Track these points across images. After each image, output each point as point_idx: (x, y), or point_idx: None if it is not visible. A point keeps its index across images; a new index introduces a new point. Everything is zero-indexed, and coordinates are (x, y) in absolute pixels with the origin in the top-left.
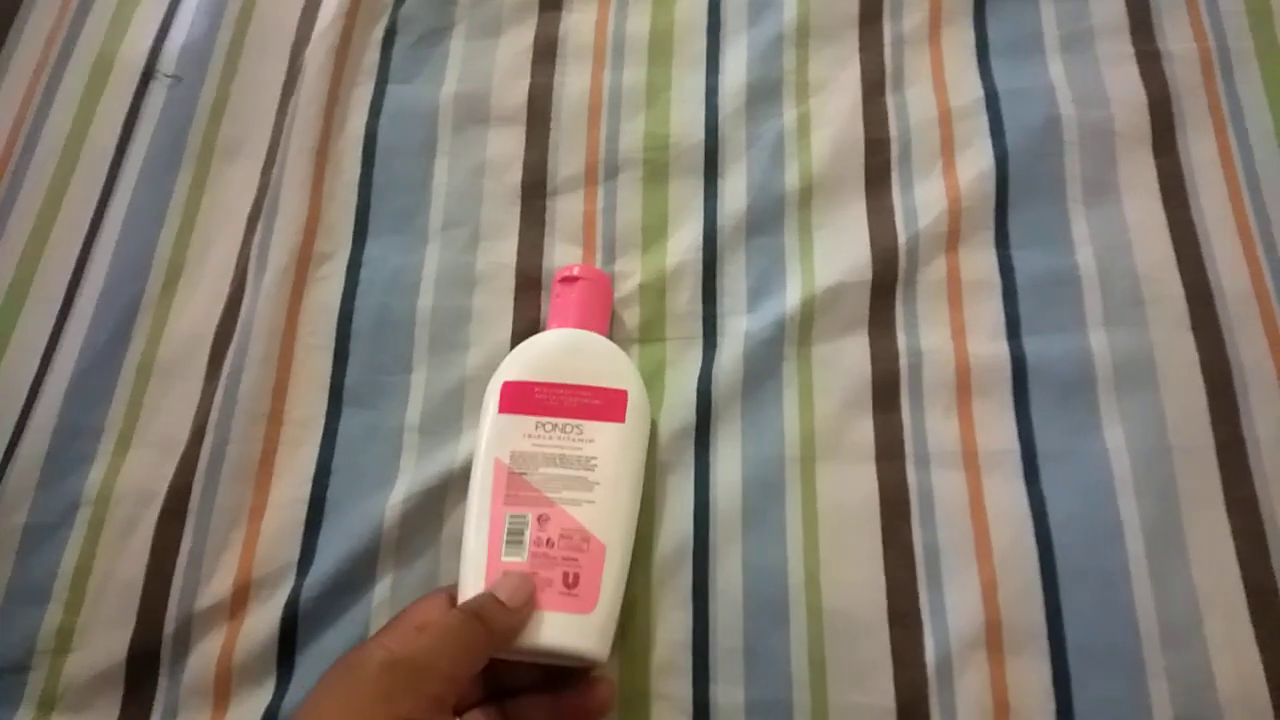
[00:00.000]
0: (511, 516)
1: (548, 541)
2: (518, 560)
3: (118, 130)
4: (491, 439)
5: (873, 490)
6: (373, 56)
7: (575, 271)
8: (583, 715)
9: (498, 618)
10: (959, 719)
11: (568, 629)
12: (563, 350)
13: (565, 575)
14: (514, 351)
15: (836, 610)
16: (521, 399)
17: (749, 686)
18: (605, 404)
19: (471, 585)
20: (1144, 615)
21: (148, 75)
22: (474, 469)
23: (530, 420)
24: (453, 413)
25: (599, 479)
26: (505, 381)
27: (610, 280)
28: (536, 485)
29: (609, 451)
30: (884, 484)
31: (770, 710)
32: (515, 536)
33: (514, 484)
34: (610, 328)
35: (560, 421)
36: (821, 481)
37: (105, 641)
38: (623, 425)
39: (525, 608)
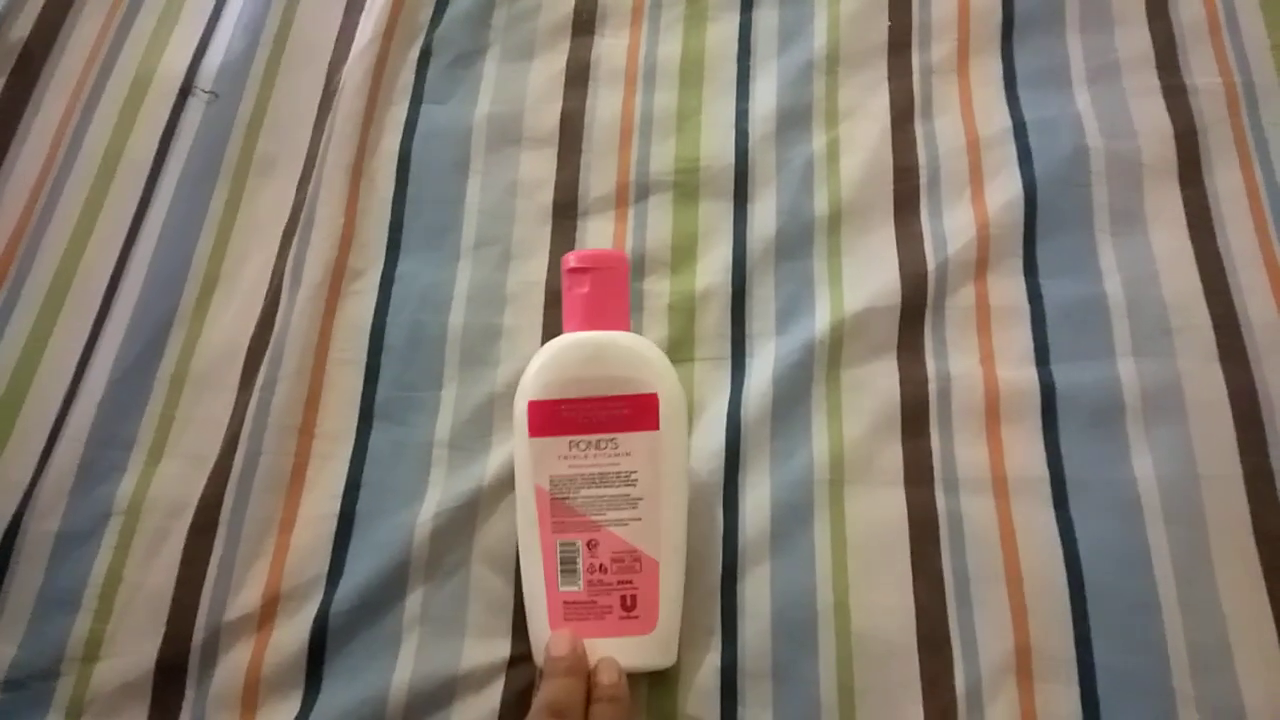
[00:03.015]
0: (562, 545)
1: (600, 567)
2: (574, 590)
3: (155, 145)
4: (527, 465)
5: (902, 515)
6: (408, 77)
7: (584, 261)
8: None
9: None
10: None
11: (633, 651)
12: (584, 358)
13: (623, 599)
14: (532, 364)
15: (865, 634)
16: (550, 419)
17: (778, 710)
18: (636, 412)
19: (536, 616)
20: (1173, 643)
21: (185, 91)
22: (517, 497)
23: (563, 441)
24: (482, 428)
25: (641, 493)
26: (530, 401)
27: (626, 259)
28: (580, 509)
29: (647, 462)
30: (913, 508)
31: None
32: (568, 565)
33: (558, 510)
34: (630, 315)
35: (593, 438)
36: (850, 505)
37: (133, 651)
38: (657, 432)
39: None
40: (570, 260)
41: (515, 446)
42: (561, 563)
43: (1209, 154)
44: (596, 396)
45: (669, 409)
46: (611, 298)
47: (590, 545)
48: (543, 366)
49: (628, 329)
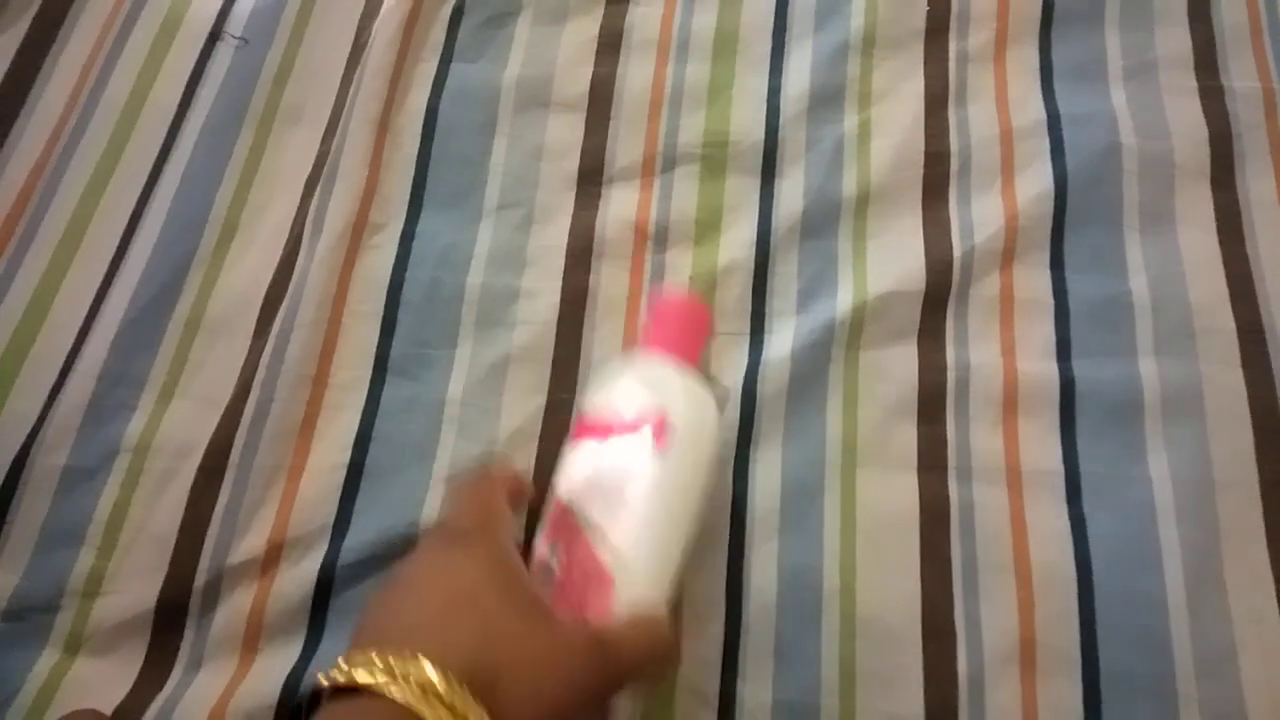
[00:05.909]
0: (551, 545)
1: (567, 568)
2: (548, 590)
3: (181, 89)
4: (559, 465)
5: (913, 500)
6: (439, 34)
7: (668, 298)
8: None
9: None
10: None
11: None
12: (619, 373)
13: (579, 606)
14: (596, 378)
15: (870, 618)
16: (587, 425)
17: (777, 687)
18: (654, 429)
19: None
20: (1179, 644)
21: (215, 36)
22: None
23: (589, 445)
24: (494, 389)
25: (623, 502)
26: (581, 411)
27: (708, 311)
28: (575, 510)
29: (640, 474)
30: (925, 495)
31: (797, 712)
32: (547, 564)
33: (559, 510)
34: (700, 358)
35: (602, 445)
36: (861, 488)
37: (135, 588)
38: (660, 449)
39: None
40: (657, 294)
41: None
42: (548, 560)
43: (1243, 158)
44: (617, 409)
45: (678, 431)
46: (681, 332)
47: (567, 546)
48: (602, 378)
49: (694, 365)
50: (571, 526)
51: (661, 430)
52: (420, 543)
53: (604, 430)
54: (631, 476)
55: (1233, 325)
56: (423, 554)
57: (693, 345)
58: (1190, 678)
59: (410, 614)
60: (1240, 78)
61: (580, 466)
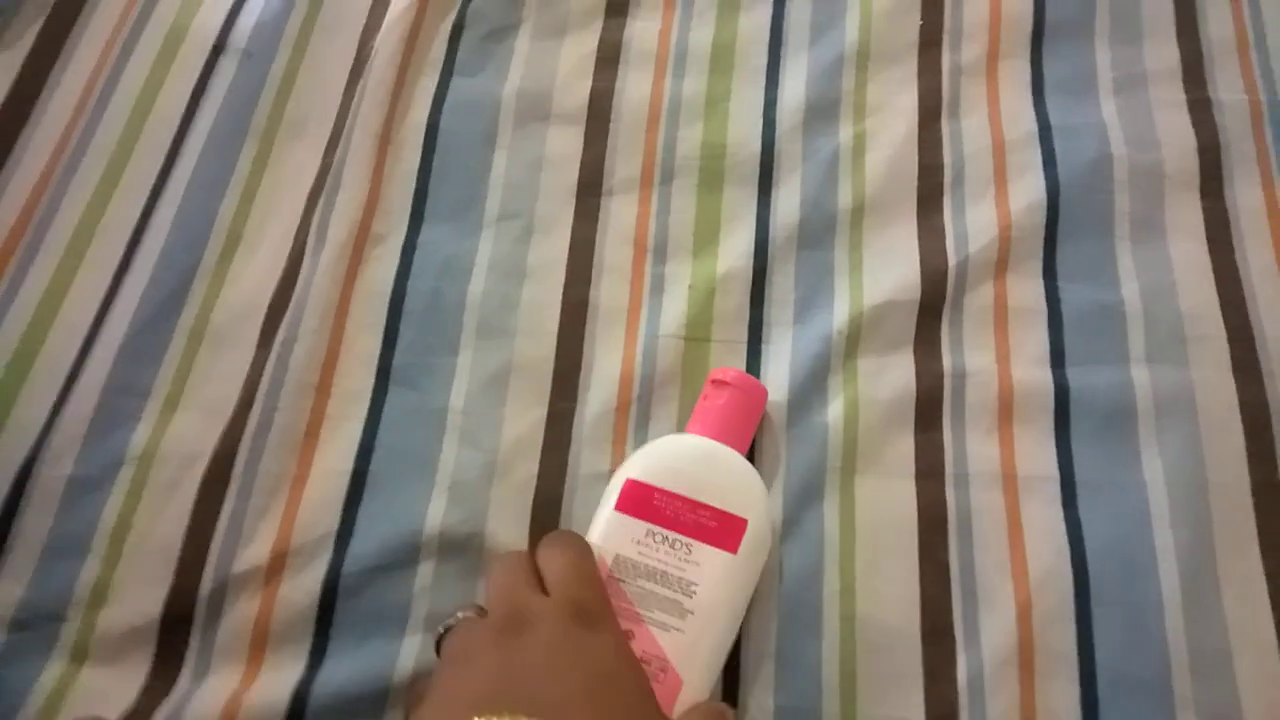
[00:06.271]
0: None
1: None
2: None
3: (185, 101)
4: (600, 536)
5: (911, 506)
6: (440, 49)
7: (727, 377)
8: None
9: None
10: None
11: None
12: (694, 460)
13: None
14: (645, 448)
15: (870, 622)
16: (639, 502)
17: (779, 692)
18: (722, 529)
19: None
20: (1175, 647)
21: (219, 49)
22: None
23: (643, 526)
24: (495, 399)
25: (694, 607)
26: (628, 479)
27: (764, 393)
28: (631, 597)
29: (713, 580)
30: (923, 501)
31: (799, 717)
32: None
33: (610, 589)
34: (752, 442)
35: (671, 535)
36: (861, 494)
37: (140, 598)
38: (734, 556)
39: None
40: (717, 373)
41: (596, 517)
42: None
43: (1231, 169)
44: (690, 498)
45: (753, 542)
46: (741, 417)
47: (625, 636)
48: (652, 451)
49: (744, 453)
50: (627, 611)
51: (739, 540)
52: (521, 597)
53: (671, 521)
54: (705, 582)
55: (1223, 332)
56: (547, 624)
57: (750, 429)
58: (1186, 679)
59: (553, 688)
60: (1227, 90)
61: (639, 549)
